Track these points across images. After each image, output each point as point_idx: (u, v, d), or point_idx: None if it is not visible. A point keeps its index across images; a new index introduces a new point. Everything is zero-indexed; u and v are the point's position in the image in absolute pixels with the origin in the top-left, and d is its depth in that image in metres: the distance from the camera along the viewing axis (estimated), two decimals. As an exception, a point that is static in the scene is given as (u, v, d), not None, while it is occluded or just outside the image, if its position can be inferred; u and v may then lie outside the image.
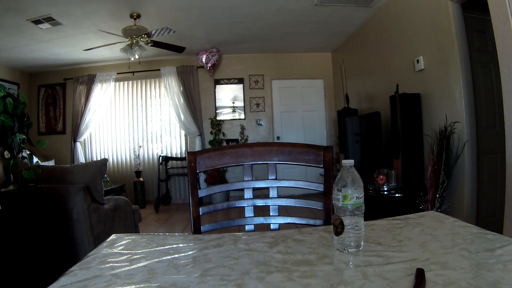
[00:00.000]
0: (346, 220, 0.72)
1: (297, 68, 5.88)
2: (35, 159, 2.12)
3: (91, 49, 4.28)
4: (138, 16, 3.80)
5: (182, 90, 5.57)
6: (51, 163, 5.44)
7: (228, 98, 5.81)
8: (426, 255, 0.68)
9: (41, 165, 2.40)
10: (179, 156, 5.71)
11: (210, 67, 5.41)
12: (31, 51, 4.72)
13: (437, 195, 2.66)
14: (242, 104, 5.81)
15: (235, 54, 5.72)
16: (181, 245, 0.84)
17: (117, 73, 5.61)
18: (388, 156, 3.34)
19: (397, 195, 3.00)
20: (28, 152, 1.80)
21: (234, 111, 5.81)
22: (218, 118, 5.75)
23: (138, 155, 5.60)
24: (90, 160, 5.68)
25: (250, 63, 5.81)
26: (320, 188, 1.11)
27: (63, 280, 0.63)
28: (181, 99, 5.55)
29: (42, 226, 1.92)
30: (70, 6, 3.46)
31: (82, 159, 5.66)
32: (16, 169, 1.69)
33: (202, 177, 5.16)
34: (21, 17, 3.58)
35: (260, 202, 1.13)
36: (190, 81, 5.58)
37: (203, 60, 5.37)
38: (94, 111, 5.61)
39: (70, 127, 5.76)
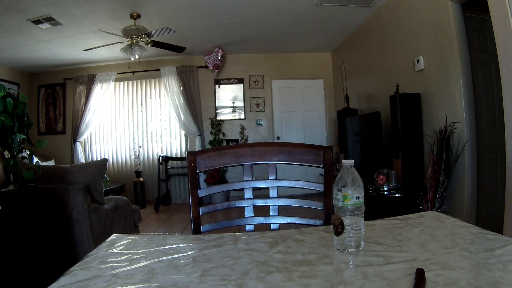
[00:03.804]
0: (346, 220, 0.72)
1: (297, 68, 5.87)
2: (35, 159, 2.12)
3: (91, 49, 4.29)
4: (138, 16, 3.80)
5: (182, 90, 5.57)
6: (51, 163, 5.44)
7: (228, 98, 5.81)
8: (426, 255, 0.68)
9: (41, 165, 2.40)
10: (179, 156, 5.71)
11: (213, 66, 5.41)
12: (31, 51, 4.72)
13: (437, 195, 2.66)
14: (242, 104, 5.81)
15: (235, 54, 5.71)
16: (181, 245, 0.84)
17: (117, 73, 5.61)
18: (388, 156, 3.34)
19: (397, 195, 3.00)
20: (28, 152, 1.80)
21: (234, 111, 5.81)
22: (218, 118, 5.75)
23: (138, 155, 5.60)
24: (90, 160, 5.68)
25: (250, 63, 5.81)
26: (320, 188, 1.11)
27: (63, 280, 0.63)
28: (181, 99, 5.55)
29: (42, 226, 1.92)
30: (70, 6, 3.46)
31: (82, 159, 5.66)
32: (16, 169, 1.69)
33: (202, 177, 5.15)
34: (21, 17, 3.58)
35: (260, 202, 1.13)
36: (190, 81, 5.58)
37: (208, 60, 5.37)
38: (94, 111, 5.61)
39: (70, 127, 5.76)
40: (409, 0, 3.32)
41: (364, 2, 3.74)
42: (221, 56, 5.37)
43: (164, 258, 0.75)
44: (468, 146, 2.65)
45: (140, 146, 5.72)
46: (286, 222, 1.11)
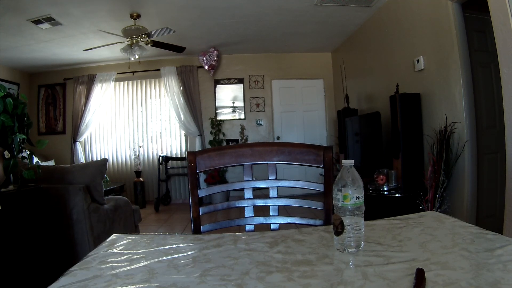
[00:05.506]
0: (346, 220, 0.72)
1: (297, 68, 5.87)
2: (35, 159, 2.12)
3: (91, 49, 4.28)
4: (138, 16, 3.80)
5: (182, 90, 5.57)
6: (51, 163, 5.44)
7: (228, 98, 5.81)
8: (426, 255, 0.68)
9: (41, 165, 2.40)
10: (179, 156, 5.71)
11: (209, 67, 5.41)
12: (31, 51, 4.72)
13: (437, 195, 2.66)
14: (242, 104, 5.81)
15: (235, 54, 5.71)
16: (181, 245, 0.84)
17: (117, 73, 5.61)
18: (388, 156, 3.34)
19: (397, 195, 3.00)
20: (28, 152, 1.80)
21: (234, 111, 5.81)
22: (218, 118, 5.75)
23: (138, 155, 5.60)
24: (90, 160, 5.68)
25: (250, 63, 5.81)
26: (320, 188, 1.11)
27: (63, 280, 0.63)
28: (181, 99, 5.55)
29: (42, 226, 1.92)
30: (70, 6, 3.46)
31: (82, 159, 5.66)
32: (16, 169, 1.69)
33: (202, 177, 5.15)
34: (21, 17, 3.58)
35: (260, 202, 1.13)
36: (190, 81, 5.58)
37: (204, 61, 5.38)
38: (94, 111, 5.61)
39: (70, 127, 5.76)
40: (409, 0, 3.32)
41: (364, 2, 3.74)
42: (217, 56, 5.36)
43: (164, 258, 0.75)
44: (468, 146, 2.65)
45: (140, 146, 5.72)
46: (286, 222, 1.11)
